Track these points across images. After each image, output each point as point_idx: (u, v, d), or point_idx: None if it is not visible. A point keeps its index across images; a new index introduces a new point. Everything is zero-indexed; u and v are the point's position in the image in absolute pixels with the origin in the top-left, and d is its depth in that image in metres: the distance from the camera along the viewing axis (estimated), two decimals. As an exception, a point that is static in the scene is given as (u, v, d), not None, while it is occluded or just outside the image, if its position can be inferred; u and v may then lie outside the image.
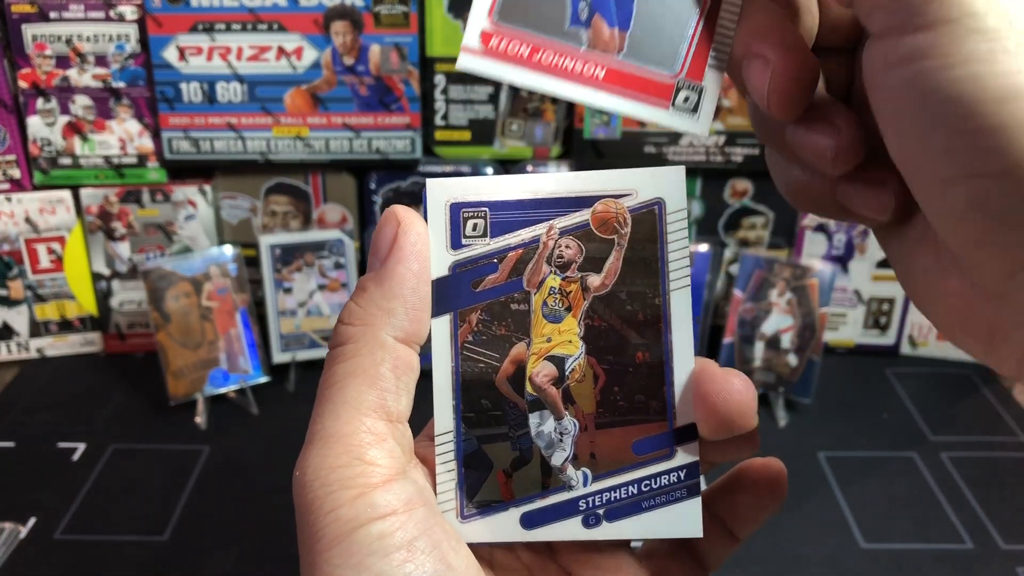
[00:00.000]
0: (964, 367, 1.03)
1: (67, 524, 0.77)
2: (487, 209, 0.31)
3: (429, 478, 0.31)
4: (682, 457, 0.30)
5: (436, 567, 0.27)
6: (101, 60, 0.93)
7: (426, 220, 0.31)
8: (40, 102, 0.94)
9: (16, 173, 0.96)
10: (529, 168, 0.99)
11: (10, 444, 0.88)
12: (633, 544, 0.33)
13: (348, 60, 0.93)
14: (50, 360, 1.02)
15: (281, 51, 0.93)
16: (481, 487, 0.31)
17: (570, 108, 0.97)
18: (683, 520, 0.30)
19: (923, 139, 0.23)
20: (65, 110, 0.94)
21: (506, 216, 0.31)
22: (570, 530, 0.30)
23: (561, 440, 0.31)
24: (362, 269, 1.00)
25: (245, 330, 0.95)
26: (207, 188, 0.98)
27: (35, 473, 0.84)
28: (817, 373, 0.94)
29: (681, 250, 0.31)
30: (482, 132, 0.98)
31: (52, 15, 0.91)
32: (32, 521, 0.78)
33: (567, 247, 0.31)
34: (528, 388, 0.31)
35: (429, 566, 0.27)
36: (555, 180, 0.31)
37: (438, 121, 0.98)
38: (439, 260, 0.31)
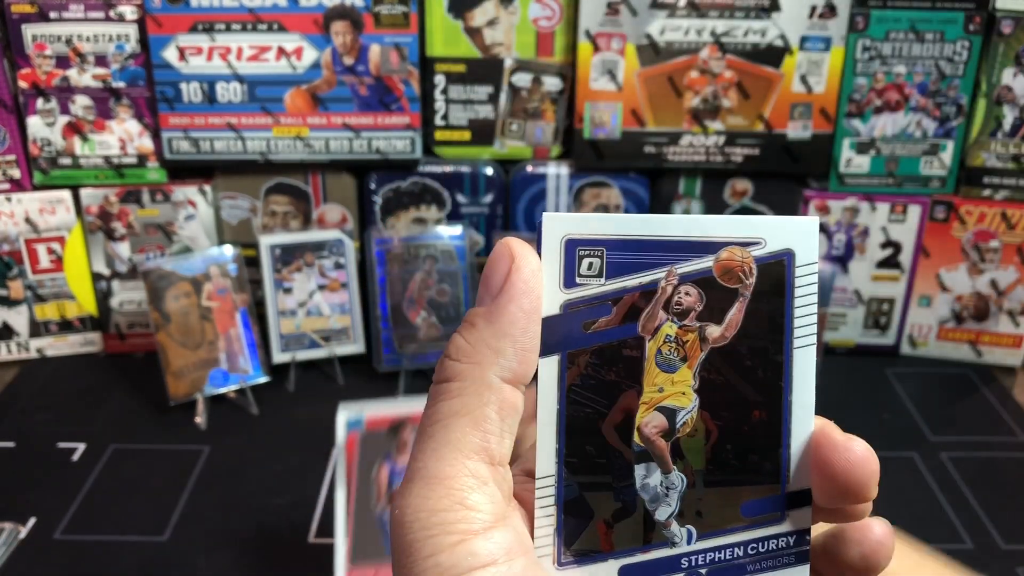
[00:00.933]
0: (964, 367, 1.03)
1: (67, 524, 0.77)
2: (604, 248, 0.30)
3: (526, 520, 0.30)
4: (793, 522, 0.29)
5: None
6: (101, 60, 0.93)
7: (540, 255, 0.30)
8: (40, 102, 0.94)
9: (16, 173, 0.96)
10: (529, 168, 0.99)
11: (10, 444, 0.88)
12: None
13: (348, 60, 0.93)
14: (50, 360, 1.02)
15: (281, 51, 0.93)
16: (580, 535, 0.30)
17: (570, 108, 0.97)
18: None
19: None
20: (65, 110, 0.94)
21: (624, 257, 0.30)
22: None
23: (667, 495, 0.30)
24: (362, 269, 1.00)
25: (245, 330, 0.95)
26: (207, 188, 0.98)
27: (35, 473, 0.84)
28: (817, 373, 0.93)
29: (809, 306, 0.29)
30: (482, 132, 0.98)
31: (52, 15, 0.91)
32: (32, 521, 0.78)
33: (687, 294, 0.30)
34: (636, 438, 0.30)
35: None
36: (678, 223, 0.30)
37: (438, 121, 0.98)
38: (551, 298, 0.30)
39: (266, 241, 0.97)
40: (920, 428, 0.91)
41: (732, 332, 0.29)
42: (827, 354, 1.02)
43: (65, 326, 1.02)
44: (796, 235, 0.29)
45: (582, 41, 0.93)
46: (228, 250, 0.96)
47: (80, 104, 0.94)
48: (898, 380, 1.00)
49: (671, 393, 0.30)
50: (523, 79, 0.96)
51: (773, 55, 0.94)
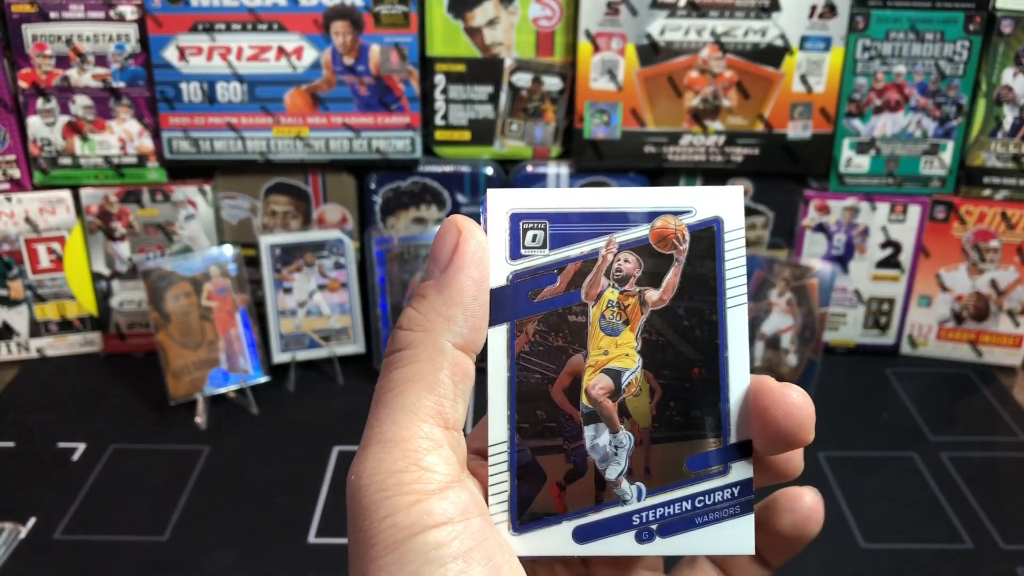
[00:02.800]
0: (964, 367, 1.03)
1: (67, 524, 0.77)
2: (547, 221, 0.31)
3: (480, 489, 0.30)
4: (736, 473, 0.30)
5: None
6: (101, 60, 0.93)
7: (486, 230, 0.31)
8: (40, 102, 0.94)
9: (16, 173, 0.96)
10: (529, 168, 0.99)
11: (10, 444, 0.88)
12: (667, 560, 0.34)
13: (348, 60, 0.93)
14: (50, 360, 1.02)
15: (281, 51, 0.93)
16: (534, 499, 0.31)
17: (570, 108, 0.97)
18: (736, 537, 0.30)
19: None
20: (65, 110, 0.94)
21: (565, 228, 0.31)
22: (623, 545, 0.30)
23: (616, 454, 0.31)
24: (362, 269, 1.00)
25: (245, 330, 0.95)
26: (207, 188, 0.98)
27: (35, 473, 0.84)
28: (817, 373, 0.94)
29: (738, 268, 0.31)
30: (482, 132, 0.98)
31: (52, 15, 0.91)
32: (32, 521, 0.78)
33: (626, 261, 0.31)
34: (584, 400, 0.31)
35: None
36: (614, 195, 0.31)
37: (438, 121, 0.98)
38: (498, 270, 0.31)
39: (266, 241, 0.97)
40: (920, 428, 0.91)
41: (669, 295, 0.31)
42: (827, 354, 1.02)
43: (65, 326, 1.02)
44: (723, 203, 0.31)
45: (582, 41, 0.93)
46: (228, 250, 0.96)
47: (80, 104, 0.94)
48: (898, 380, 1.00)
49: (615, 355, 0.31)
50: (523, 79, 0.96)
51: (773, 55, 0.94)
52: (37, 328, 1.02)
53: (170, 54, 0.92)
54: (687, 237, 0.31)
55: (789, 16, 0.92)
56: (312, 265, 0.98)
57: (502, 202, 0.32)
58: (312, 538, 0.76)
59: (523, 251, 0.31)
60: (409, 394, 0.28)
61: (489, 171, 0.98)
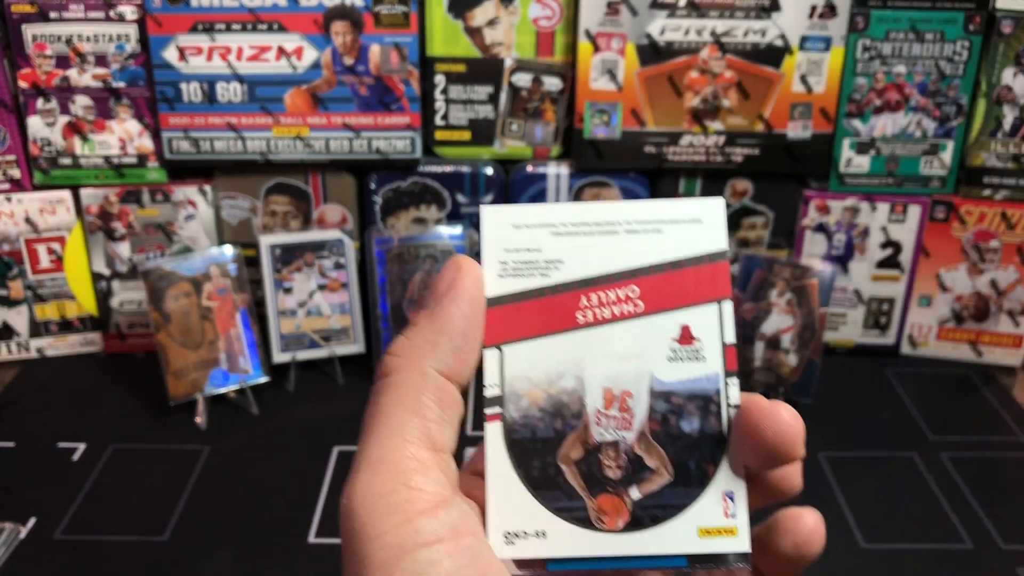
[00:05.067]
0: (964, 367, 1.03)
1: (67, 524, 0.77)
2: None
3: (475, 510, 0.30)
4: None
5: None
6: (101, 60, 0.93)
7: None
8: (40, 102, 0.94)
9: (16, 173, 0.96)
10: (529, 168, 0.99)
11: (10, 444, 0.88)
12: None
13: (348, 60, 0.93)
14: (50, 360, 1.02)
15: (281, 51, 0.93)
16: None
17: (570, 108, 0.97)
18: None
19: None
20: (65, 110, 0.94)
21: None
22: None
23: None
24: (362, 269, 1.00)
25: (245, 330, 0.95)
26: (207, 188, 0.98)
27: (35, 473, 0.84)
28: (817, 373, 0.94)
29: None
30: (482, 132, 0.98)
31: (52, 15, 0.91)
32: (32, 521, 0.78)
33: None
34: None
35: None
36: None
37: (438, 121, 0.98)
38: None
39: (266, 241, 0.97)
40: (920, 428, 0.91)
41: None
42: (827, 354, 1.02)
43: (65, 326, 1.02)
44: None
45: (582, 41, 0.93)
46: (228, 250, 0.96)
47: (80, 104, 0.94)
48: (898, 380, 1.00)
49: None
50: (523, 79, 0.96)
51: (773, 55, 0.94)
52: (37, 328, 1.02)
53: (170, 54, 0.92)
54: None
55: (789, 16, 0.92)
56: (312, 265, 0.98)
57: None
58: (312, 538, 0.76)
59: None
60: (395, 418, 0.29)
61: (489, 171, 0.98)
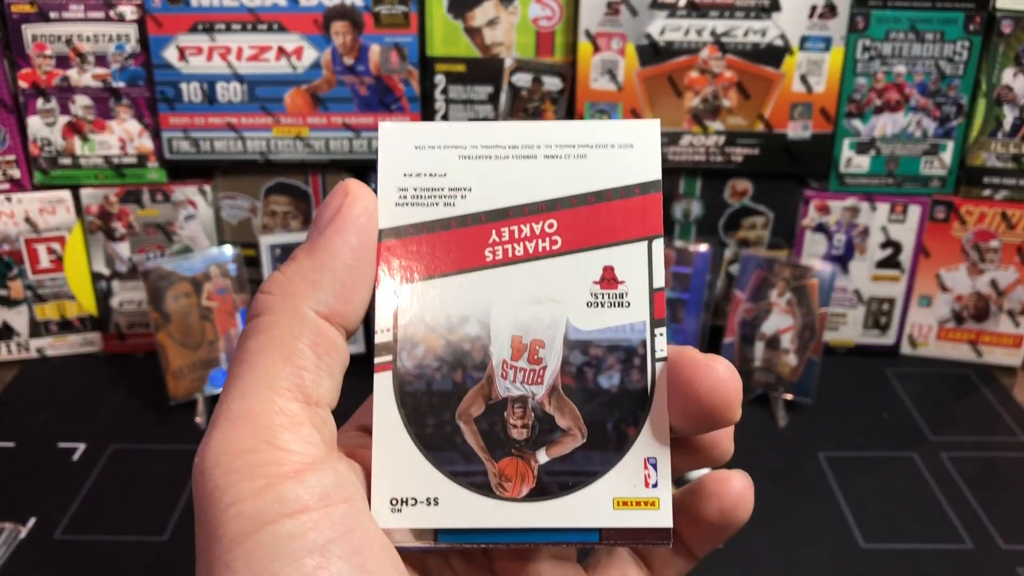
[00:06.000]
0: (964, 367, 1.03)
1: (67, 524, 0.77)
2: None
3: (359, 474, 0.27)
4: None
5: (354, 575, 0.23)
6: (101, 60, 0.93)
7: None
8: (40, 102, 0.94)
9: (16, 173, 0.96)
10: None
11: (10, 444, 0.88)
12: (582, 550, 0.31)
13: (348, 60, 0.93)
14: (50, 360, 1.02)
15: (281, 51, 0.93)
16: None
17: (569, 108, 0.97)
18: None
19: None
20: (65, 110, 0.94)
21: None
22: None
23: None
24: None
25: (245, 330, 0.95)
26: (207, 188, 0.98)
27: (35, 473, 0.84)
28: (817, 373, 0.94)
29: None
30: (482, 132, 0.98)
31: (52, 15, 0.91)
32: (32, 521, 0.78)
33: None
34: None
35: (347, 575, 0.23)
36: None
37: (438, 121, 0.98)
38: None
39: (266, 241, 0.97)
40: (920, 428, 0.91)
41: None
42: (827, 354, 1.02)
43: (65, 326, 1.02)
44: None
45: (582, 41, 0.93)
46: (228, 250, 0.96)
47: (80, 104, 0.94)
48: (898, 380, 1.00)
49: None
50: (523, 79, 0.96)
51: (773, 55, 0.94)
52: (37, 328, 1.02)
53: (170, 54, 0.92)
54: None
55: (789, 16, 0.92)
56: (312, 265, 0.98)
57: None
58: (312, 538, 0.76)
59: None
60: (263, 365, 0.25)
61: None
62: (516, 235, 0.28)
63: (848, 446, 0.88)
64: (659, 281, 0.28)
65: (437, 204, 0.28)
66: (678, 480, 0.29)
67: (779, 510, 0.78)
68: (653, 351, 0.27)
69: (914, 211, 0.99)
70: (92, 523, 0.78)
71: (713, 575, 0.69)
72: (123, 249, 1.00)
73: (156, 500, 0.80)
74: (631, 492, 0.27)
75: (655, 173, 0.28)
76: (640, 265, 0.28)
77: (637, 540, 0.27)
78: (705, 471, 0.30)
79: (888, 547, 0.76)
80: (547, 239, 0.28)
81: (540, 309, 0.27)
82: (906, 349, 1.05)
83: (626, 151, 0.28)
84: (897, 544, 0.76)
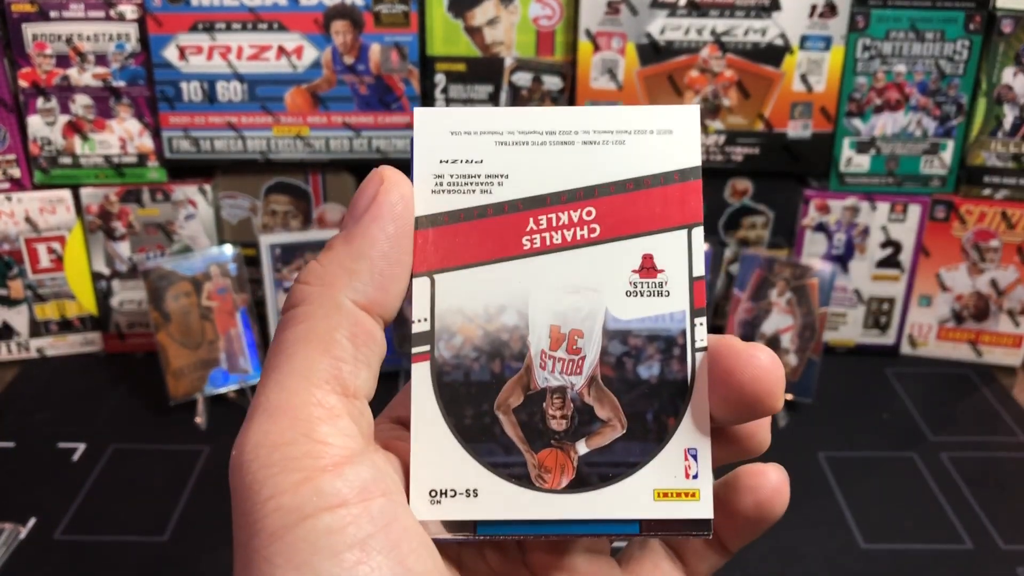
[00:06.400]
0: (964, 367, 1.03)
1: (67, 524, 0.77)
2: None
3: (396, 467, 0.26)
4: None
5: (394, 570, 0.23)
6: (101, 59, 0.93)
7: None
8: (40, 101, 0.94)
9: (16, 172, 0.96)
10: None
11: (10, 444, 0.88)
12: (615, 545, 0.30)
13: (348, 59, 0.93)
14: (50, 360, 1.02)
15: (281, 50, 0.93)
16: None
17: (570, 108, 0.97)
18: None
19: None
20: (65, 109, 0.94)
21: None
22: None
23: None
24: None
25: (245, 330, 0.95)
26: (207, 188, 0.98)
27: (35, 473, 0.84)
28: (817, 373, 0.94)
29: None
30: (482, 132, 0.98)
31: (52, 14, 0.91)
32: (32, 521, 0.78)
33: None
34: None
35: (387, 570, 0.23)
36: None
37: (438, 121, 0.97)
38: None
39: (266, 241, 0.97)
40: (920, 428, 0.91)
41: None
42: (827, 354, 1.02)
43: (65, 326, 1.02)
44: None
45: (582, 40, 0.93)
46: (228, 250, 0.96)
47: (80, 103, 0.94)
48: (898, 380, 1.00)
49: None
50: (523, 78, 0.96)
51: (773, 54, 0.94)
52: (37, 328, 1.02)
53: (170, 53, 0.92)
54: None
55: (789, 15, 0.92)
56: (312, 265, 0.98)
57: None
58: (312, 538, 0.76)
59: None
60: (301, 357, 0.24)
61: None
62: (554, 223, 0.27)
63: (848, 446, 0.88)
64: (699, 270, 0.27)
65: (474, 191, 0.27)
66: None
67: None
68: (693, 341, 0.27)
69: (914, 210, 0.99)
70: (92, 523, 0.78)
71: (713, 575, 0.69)
72: (123, 249, 1.00)
73: (156, 500, 0.80)
74: (671, 483, 0.26)
75: (695, 159, 0.27)
76: (680, 253, 0.27)
77: (677, 531, 0.27)
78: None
79: (888, 547, 0.76)
80: (585, 227, 0.27)
81: (578, 298, 0.27)
82: (906, 349, 1.05)
83: (665, 137, 0.28)
84: (897, 544, 0.76)
